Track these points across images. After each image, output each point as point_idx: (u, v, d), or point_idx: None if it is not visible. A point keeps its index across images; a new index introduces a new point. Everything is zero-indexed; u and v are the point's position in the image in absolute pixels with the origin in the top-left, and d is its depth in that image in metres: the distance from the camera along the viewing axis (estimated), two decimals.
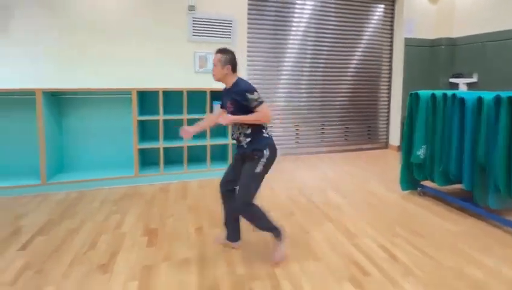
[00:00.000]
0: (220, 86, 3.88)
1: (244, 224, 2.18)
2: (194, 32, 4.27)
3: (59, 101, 3.71)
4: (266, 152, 2.02)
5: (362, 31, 5.30)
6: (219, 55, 2.11)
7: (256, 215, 2.01)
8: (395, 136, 5.58)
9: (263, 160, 2.01)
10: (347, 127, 5.41)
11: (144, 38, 4.06)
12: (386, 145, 5.73)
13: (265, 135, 2.07)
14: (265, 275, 1.93)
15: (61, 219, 2.69)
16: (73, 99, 3.74)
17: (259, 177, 2.02)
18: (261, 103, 2.01)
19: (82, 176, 3.54)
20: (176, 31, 4.18)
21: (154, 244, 2.28)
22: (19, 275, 1.91)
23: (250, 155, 2.03)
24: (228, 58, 2.11)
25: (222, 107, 2.23)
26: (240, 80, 2.13)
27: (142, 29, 4.03)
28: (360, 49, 5.32)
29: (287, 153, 5.07)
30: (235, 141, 2.16)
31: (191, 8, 4.24)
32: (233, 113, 2.04)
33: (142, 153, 3.87)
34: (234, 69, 2.12)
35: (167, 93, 3.89)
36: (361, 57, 5.35)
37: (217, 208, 2.88)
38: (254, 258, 2.12)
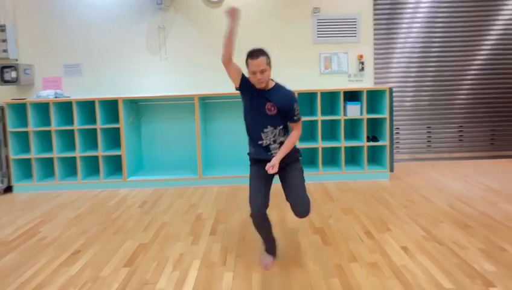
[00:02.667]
0: (342, 85, 3.82)
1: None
2: (318, 33, 4.36)
3: (205, 105, 4.19)
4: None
5: None
6: (263, 58, 1.90)
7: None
8: None
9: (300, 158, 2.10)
10: (492, 130, 4.75)
11: (273, 44, 4.29)
12: None
13: None
14: None
15: (229, 209, 3.05)
16: (220, 104, 4.17)
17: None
18: (300, 117, 2.02)
19: (229, 173, 3.90)
20: (301, 34, 4.34)
21: (330, 243, 2.35)
22: (224, 257, 2.21)
23: (293, 159, 2.03)
24: (269, 57, 1.95)
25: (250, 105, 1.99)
26: (277, 83, 2.03)
27: (271, 36, 4.29)
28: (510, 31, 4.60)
29: (416, 159, 4.63)
30: (258, 148, 2.00)
31: (316, 10, 4.34)
32: (274, 116, 1.95)
33: None
34: None
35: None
36: (497, 40, 4.60)
37: (371, 212, 2.88)
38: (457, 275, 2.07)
